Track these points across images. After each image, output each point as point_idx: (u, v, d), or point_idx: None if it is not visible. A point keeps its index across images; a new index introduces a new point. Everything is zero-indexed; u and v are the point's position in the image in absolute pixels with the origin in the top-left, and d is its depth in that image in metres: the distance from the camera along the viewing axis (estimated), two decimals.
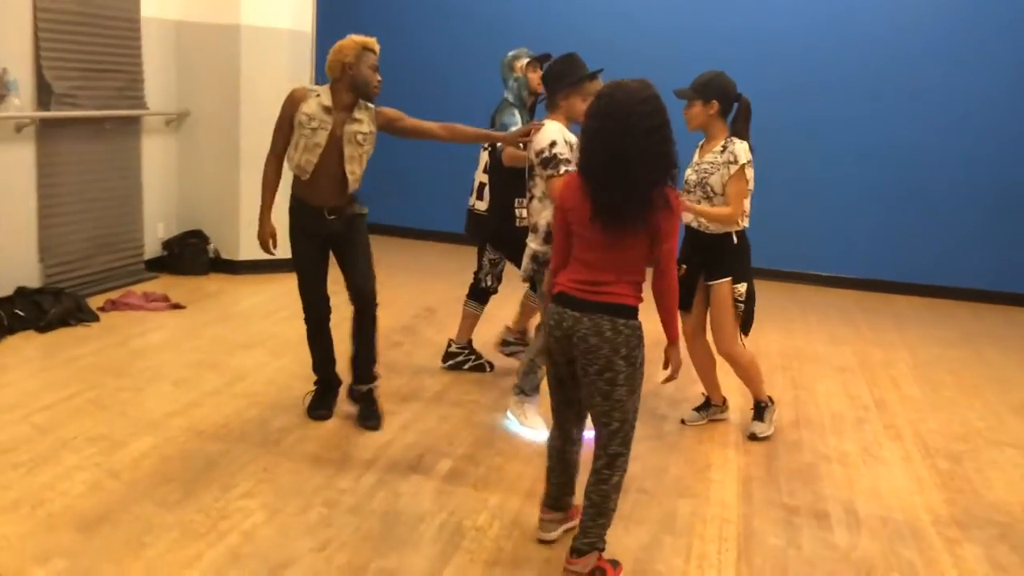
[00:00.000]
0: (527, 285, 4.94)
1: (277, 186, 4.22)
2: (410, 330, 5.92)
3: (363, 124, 4.11)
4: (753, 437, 4.42)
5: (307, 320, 4.37)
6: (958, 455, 4.41)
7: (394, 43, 8.83)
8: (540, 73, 4.57)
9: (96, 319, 5.56)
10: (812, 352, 6.06)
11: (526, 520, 3.45)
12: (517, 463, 3.96)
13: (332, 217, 4.16)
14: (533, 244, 4.20)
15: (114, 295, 6.03)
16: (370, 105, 4.15)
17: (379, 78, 4.13)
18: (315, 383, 4.41)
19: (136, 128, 6.60)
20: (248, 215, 6.89)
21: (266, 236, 4.28)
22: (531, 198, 4.23)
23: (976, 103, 7.71)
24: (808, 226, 8.14)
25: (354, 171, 4.12)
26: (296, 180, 4.16)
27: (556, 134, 4.06)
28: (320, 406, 4.35)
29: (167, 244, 6.98)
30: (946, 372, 5.79)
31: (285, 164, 4.16)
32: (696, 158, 4.35)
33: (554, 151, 4.01)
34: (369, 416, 4.29)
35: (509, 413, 4.47)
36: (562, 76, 4.14)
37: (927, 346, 6.40)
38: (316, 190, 4.10)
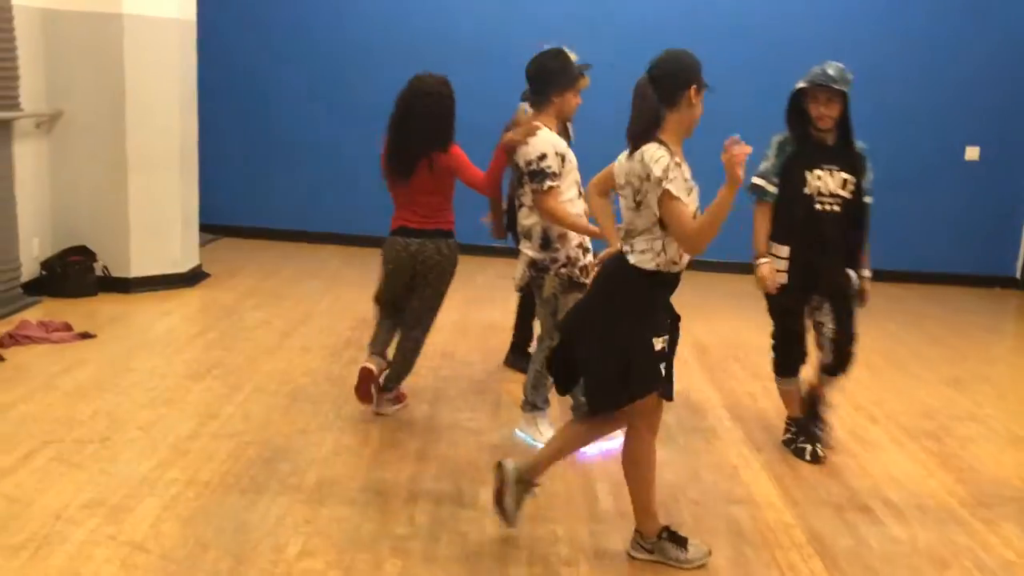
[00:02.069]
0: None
1: None
2: (360, 345, 5.54)
3: None
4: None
5: None
6: (935, 434, 4.67)
7: (282, 29, 8.39)
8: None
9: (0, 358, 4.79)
10: (758, 342, 6.21)
11: (607, 545, 3.31)
12: (557, 483, 3.78)
13: None
14: (529, 251, 4.04)
15: (6, 327, 5.22)
16: None
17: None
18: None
19: (7, 133, 5.72)
20: (139, 226, 6.25)
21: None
22: (520, 205, 4.07)
23: (887, 87, 8.09)
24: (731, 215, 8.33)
25: None
26: None
27: (547, 146, 3.91)
28: None
29: (46, 264, 6.12)
30: (873, 352, 6.14)
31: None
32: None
33: (542, 164, 3.88)
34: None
35: (519, 431, 4.28)
36: (558, 73, 4.01)
37: None
38: None
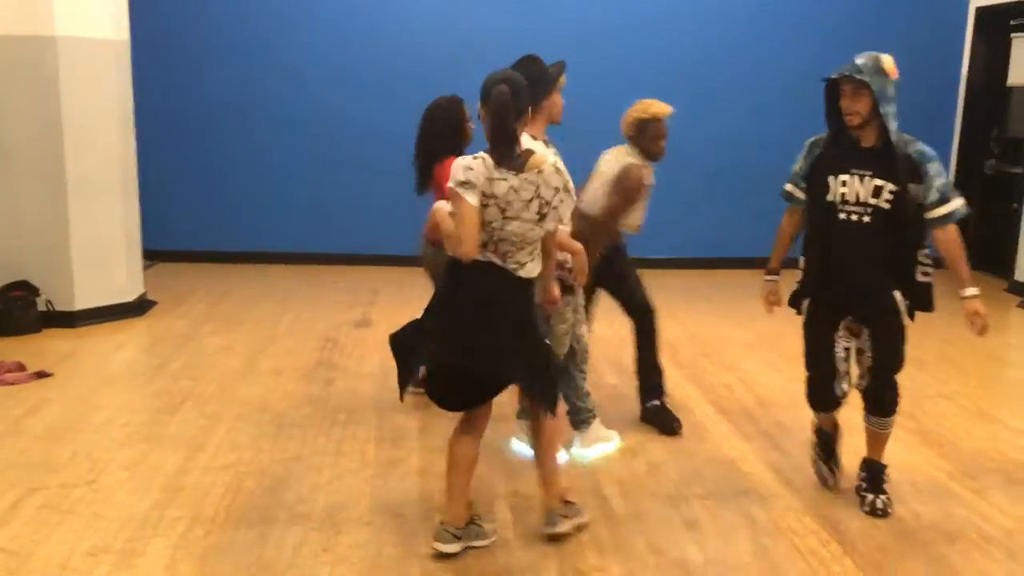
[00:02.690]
0: None
1: None
2: (332, 365, 5.42)
3: None
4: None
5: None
6: (910, 413, 4.77)
7: (210, 47, 8.14)
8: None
9: None
10: (719, 334, 6.34)
11: (632, 547, 3.32)
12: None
13: None
14: None
15: None
16: None
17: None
18: None
19: None
20: (82, 255, 6.00)
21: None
22: None
23: (754, 92, 8.40)
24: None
25: None
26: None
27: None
28: None
29: None
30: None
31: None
32: None
33: None
34: None
35: (575, 449, 4.20)
36: (538, 80, 3.98)
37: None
38: None
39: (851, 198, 3.49)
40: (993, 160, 8.66)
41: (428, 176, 4.30)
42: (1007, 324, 6.98)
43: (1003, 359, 6.14)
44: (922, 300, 3.60)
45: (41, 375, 5.02)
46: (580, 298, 4.08)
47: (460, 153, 3.82)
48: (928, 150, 3.42)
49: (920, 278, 3.57)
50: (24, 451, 4.04)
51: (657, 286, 4.72)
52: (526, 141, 3.96)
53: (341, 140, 8.17)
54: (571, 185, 3.20)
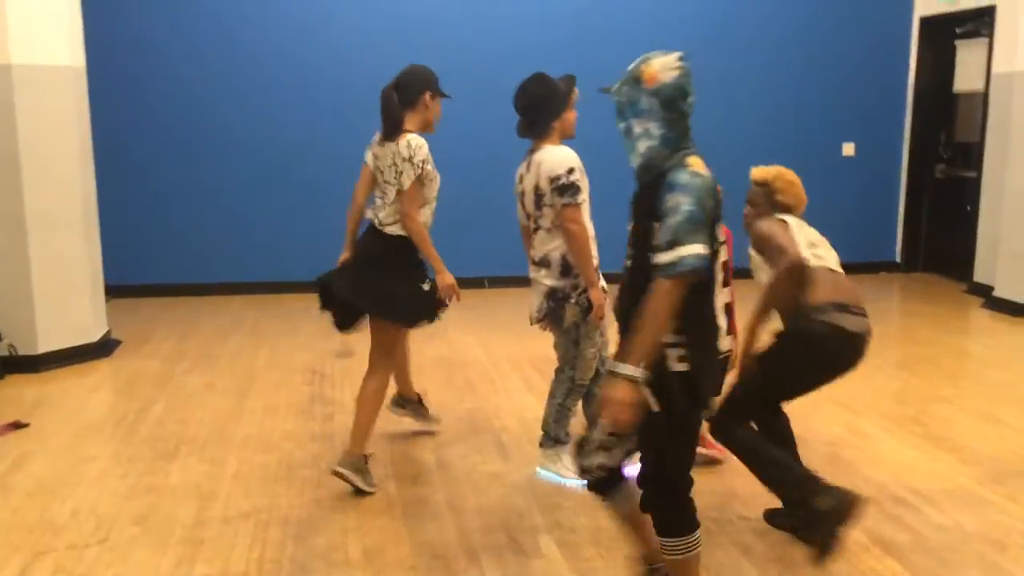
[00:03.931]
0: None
1: None
2: (326, 399, 5.19)
3: None
4: None
5: None
6: (917, 419, 4.84)
7: (159, 75, 7.80)
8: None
9: None
10: None
11: None
12: (597, 517, 3.63)
13: None
14: (548, 280, 3.90)
15: None
16: None
17: None
18: None
19: None
20: (44, 294, 5.66)
21: None
22: (536, 229, 3.93)
23: (772, 89, 8.49)
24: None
25: None
26: None
27: (573, 159, 3.82)
28: None
29: None
30: None
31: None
32: None
33: (572, 178, 3.78)
34: None
35: (542, 468, 4.11)
36: (550, 97, 3.91)
37: None
38: None
39: (630, 238, 2.65)
40: (943, 164, 8.90)
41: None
42: (977, 325, 7.14)
43: (984, 359, 6.26)
44: (673, 392, 2.49)
45: (17, 426, 4.67)
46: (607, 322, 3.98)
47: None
48: (680, 178, 2.46)
49: (674, 365, 2.49)
50: (18, 510, 3.72)
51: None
52: (565, 150, 3.81)
53: (295, 165, 7.93)
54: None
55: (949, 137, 8.90)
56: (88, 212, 6.01)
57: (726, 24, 8.47)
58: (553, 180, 3.77)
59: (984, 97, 7.95)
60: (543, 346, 6.31)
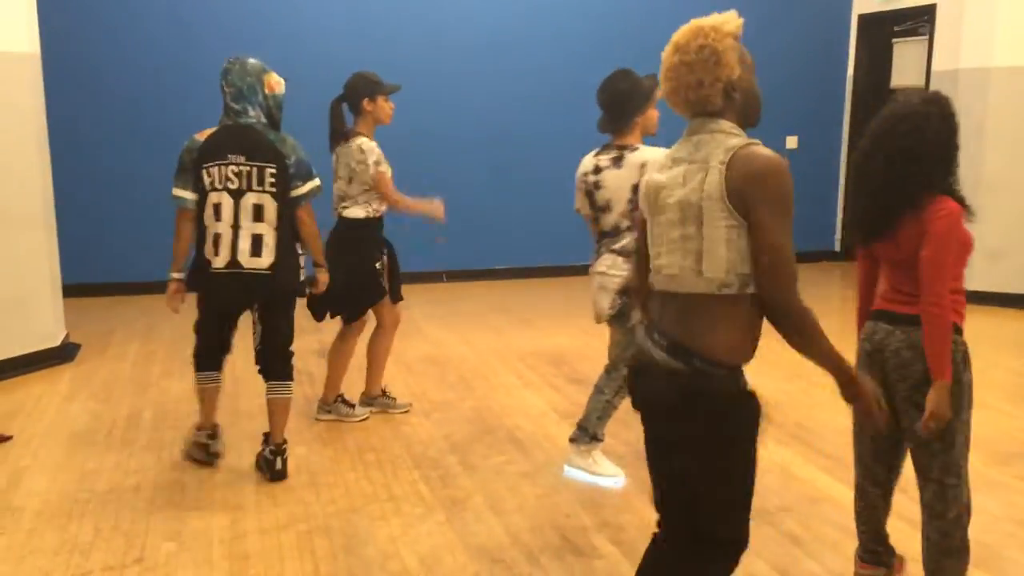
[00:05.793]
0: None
1: None
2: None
3: None
4: None
5: None
6: None
7: (119, 61, 7.35)
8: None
9: None
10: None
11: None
12: (641, 512, 3.64)
13: None
14: (624, 272, 3.82)
15: None
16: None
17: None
18: None
19: None
20: (3, 297, 5.28)
21: None
22: (628, 227, 3.86)
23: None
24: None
25: None
26: None
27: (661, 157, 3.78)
28: None
29: None
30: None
31: None
32: None
33: None
34: None
35: (571, 466, 4.07)
36: (633, 93, 3.84)
37: None
38: None
39: None
40: None
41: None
42: None
43: None
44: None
45: (1, 439, 4.36)
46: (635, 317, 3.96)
47: None
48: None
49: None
50: (33, 532, 3.47)
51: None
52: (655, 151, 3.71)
53: None
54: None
55: None
56: (47, 208, 5.65)
57: (657, 19, 8.47)
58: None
59: None
60: (524, 341, 6.34)
